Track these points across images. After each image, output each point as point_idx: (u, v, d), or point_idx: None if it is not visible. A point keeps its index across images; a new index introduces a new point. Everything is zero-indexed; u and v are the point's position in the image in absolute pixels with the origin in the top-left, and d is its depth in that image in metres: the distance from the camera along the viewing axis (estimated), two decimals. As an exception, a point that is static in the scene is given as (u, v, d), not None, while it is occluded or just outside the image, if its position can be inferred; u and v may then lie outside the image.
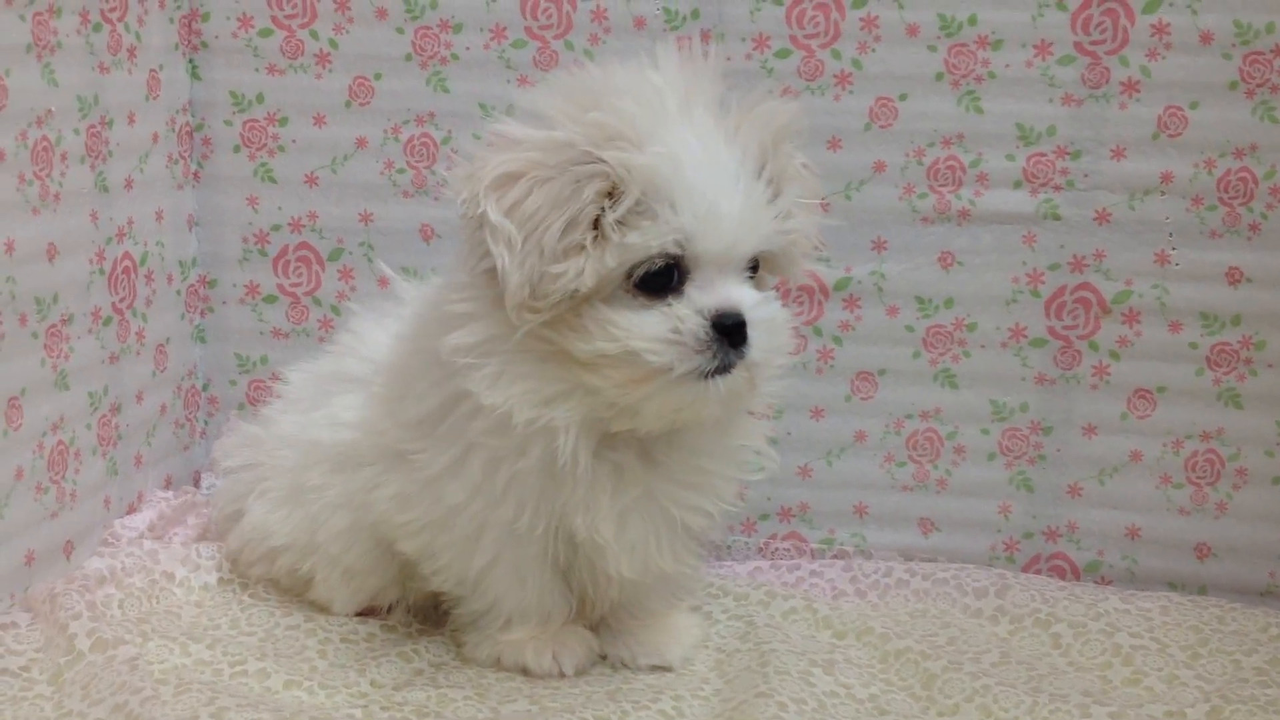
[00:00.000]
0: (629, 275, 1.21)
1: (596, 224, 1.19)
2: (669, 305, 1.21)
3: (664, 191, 1.18)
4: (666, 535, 1.34)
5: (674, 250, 1.20)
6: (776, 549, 1.73)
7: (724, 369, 1.22)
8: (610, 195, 1.18)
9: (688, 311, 1.21)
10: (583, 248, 1.18)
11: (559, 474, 1.28)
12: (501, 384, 1.24)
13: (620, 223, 1.18)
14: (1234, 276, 1.59)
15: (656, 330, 1.21)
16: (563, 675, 1.38)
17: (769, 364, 1.27)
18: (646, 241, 1.19)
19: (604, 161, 1.18)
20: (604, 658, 1.43)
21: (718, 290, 1.22)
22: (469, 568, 1.35)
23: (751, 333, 1.22)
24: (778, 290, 1.34)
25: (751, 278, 1.26)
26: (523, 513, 1.30)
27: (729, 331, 1.21)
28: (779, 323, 1.27)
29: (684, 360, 1.21)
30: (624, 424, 1.26)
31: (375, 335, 1.46)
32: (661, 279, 1.21)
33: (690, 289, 1.21)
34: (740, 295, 1.23)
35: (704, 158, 1.20)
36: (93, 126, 1.53)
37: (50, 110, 1.45)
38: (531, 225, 1.18)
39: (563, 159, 1.19)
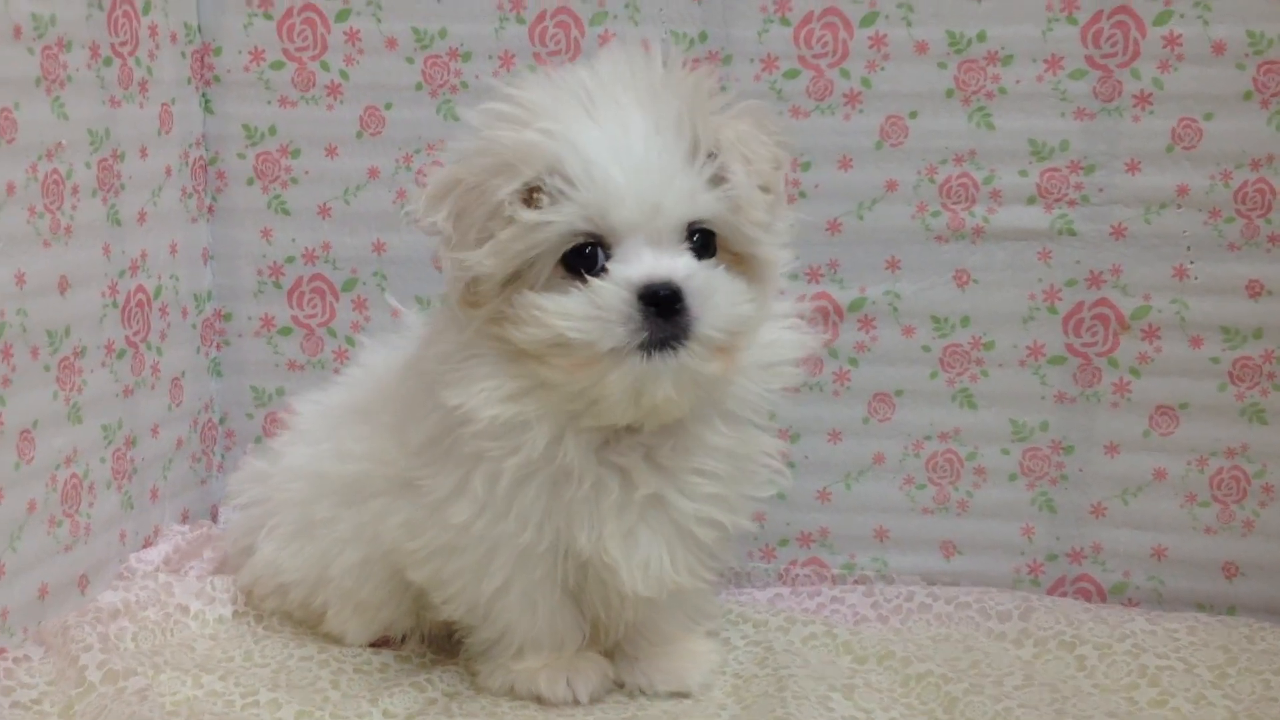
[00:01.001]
0: (560, 260, 1.21)
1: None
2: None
3: (563, 167, 1.19)
4: (680, 549, 1.32)
5: (585, 226, 1.20)
6: (797, 575, 1.71)
7: (662, 343, 1.20)
8: (527, 185, 1.20)
9: (606, 284, 1.19)
10: (493, 236, 1.20)
11: (561, 483, 1.27)
12: (464, 385, 1.25)
13: (527, 204, 1.20)
14: (1254, 289, 1.57)
15: (575, 307, 1.20)
16: (577, 703, 1.36)
17: (729, 339, 1.23)
18: (550, 219, 1.19)
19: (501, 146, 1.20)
20: (621, 686, 1.41)
21: (645, 261, 1.20)
22: (479, 594, 1.34)
23: (691, 302, 1.19)
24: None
25: (700, 253, 1.23)
26: (526, 527, 1.28)
27: (659, 302, 1.19)
28: (724, 291, 1.22)
29: (607, 335, 1.19)
30: (595, 418, 1.25)
31: (383, 367, 1.46)
32: (586, 259, 1.21)
33: (613, 264, 1.20)
34: (670, 265, 1.20)
35: (608, 130, 1.20)
36: (104, 160, 1.54)
37: (60, 143, 1.46)
38: (459, 223, 1.22)
39: (483, 159, 1.22)
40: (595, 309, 1.19)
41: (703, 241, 1.23)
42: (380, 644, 1.48)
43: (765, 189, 1.26)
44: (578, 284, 1.21)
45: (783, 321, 1.33)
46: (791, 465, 1.42)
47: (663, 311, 1.19)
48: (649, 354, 1.20)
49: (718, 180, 1.23)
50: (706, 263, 1.23)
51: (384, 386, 1.42)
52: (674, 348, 1.20)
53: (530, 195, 1.21)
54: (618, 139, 1.20)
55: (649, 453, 1.29)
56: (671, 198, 1.20)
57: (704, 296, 1.20)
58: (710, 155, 1.23)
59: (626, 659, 1.41)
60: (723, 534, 1.35)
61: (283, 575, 1.48)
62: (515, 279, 1.23)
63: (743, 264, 1.27)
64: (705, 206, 1.22)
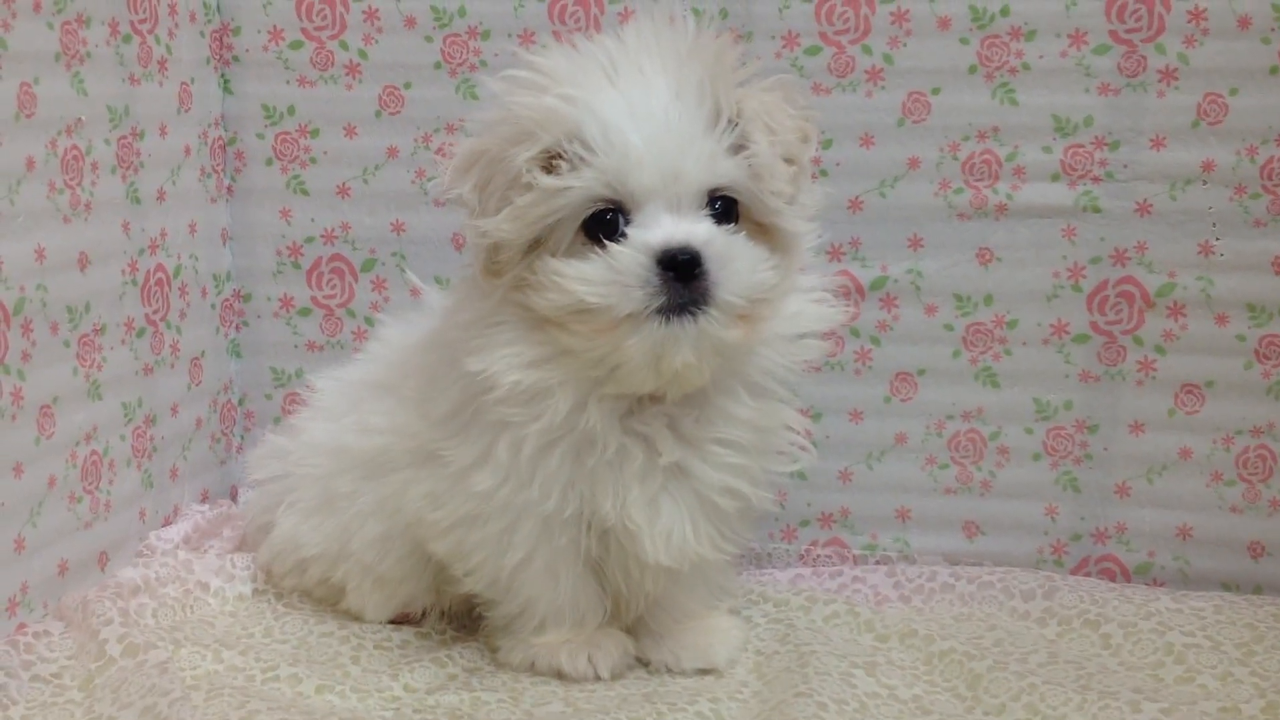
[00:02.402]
0: (581, 226, 1.22)
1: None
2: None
3: (582, 133, 1.19)
4: (701, 520, 1.32)
5: (604, 192, 1.20)
6: (818, 555, 1.70)
7: (681, 308, 1.19)
8: (547, 152, 1.21)
9: (624, 249, 1.19)
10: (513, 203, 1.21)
11: (584, 450, 1.26)
12: (486, 352, 1.25)
13: (547, 170, 1.20)
14: (1281, 266, 1.56)
15: (594, 272, 1.20)
16: (598, 678, 1.36)
17: (750, 305, 1.22)
18: (569, 184, 1.19)
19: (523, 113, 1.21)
20: (646, 664, 1.41)
21: (664, 226, 1.20)
22: (502, 566, 1.33)
23: (710, 267, 1.19)
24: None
25: (720, 220, 1.23)
26: (550, 495, 1.28)
27: (677, 266, 1.18)
28: (744, 257, 1.22)
29: (626, 298, 1.19)
30: (617, 385, 1.25)
31: (403, 342, 1.46)
32: (607, 224, 1.21)
33: (633, 229, 1.20)
34: (690, 230, 1.20)
35: (628, 96, 1.20)
36: (124, 137, 1.54)
37: (80, 119, 1.46)
38: (482, 192, 1.22)
39: (504, 127, 1.23)
40: (614, 273, 1.19)
41: (724, 209, 1.23)
42: (400, 620, 1.48)
43: (789, 160, 1.25)
44: (598, 250, 1.21)
45: (808, 295, 1.33)
46: (814, 444, 1.41)
47: (681, 276, 1.19)
48: (668, 319, 1.19)
49: (739, 148, 1.22)
50: (727, 229, 1.22)
51: (405, 361, 1.42)
52: (693, 313, 1.20)
53: (550, 162, 1.20)
54: (638, 104, 1.19)
55: (672, 422, 1.29)
56: (691, 163, 1.20)
57: (723, 262, 1.20)
58: (732, 123, 1.22)
59: (652, 636, 1.41)
60: (744, 505, 1.34)
61: (302, 550, 1.47)
62: (536, 246, 1.23)
63: (766, 234, 1.26)
64: (725, 173, 1.22)
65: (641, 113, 1.19)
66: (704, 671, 1.38)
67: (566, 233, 1.22)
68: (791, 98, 1.29)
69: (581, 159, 1.19)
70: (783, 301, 1.28)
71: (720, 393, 1.30)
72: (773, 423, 1.34)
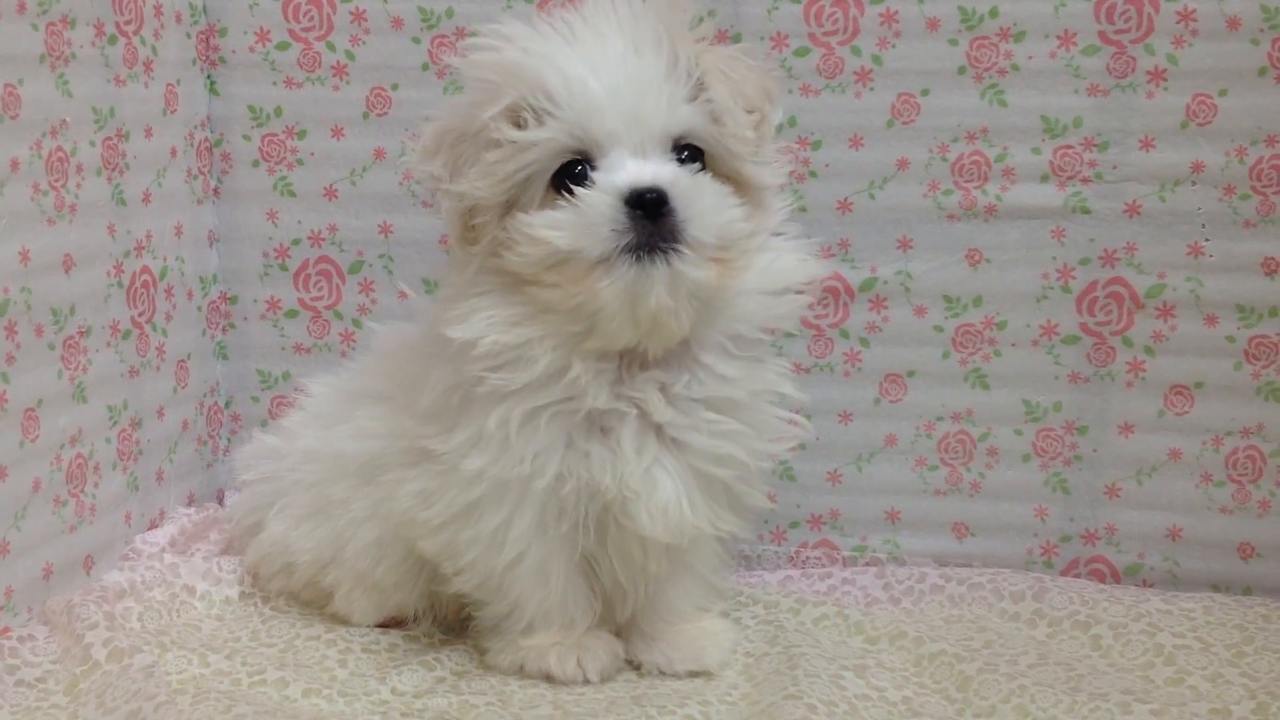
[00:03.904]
0: (550, 181, 1.24)
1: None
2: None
3: (544, 84, 1.22)
4: (699, 492, 1.32)
5: (570, 142, 1.23)
6: (807, 557, 1.70)
7: (652, 247, 1.21)
8: (512, 108, 1.24)
9: (592, 192, 1.22)
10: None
11: (576, 419, 1.27)
12: (467, 318, 1.27)
13: (516, 126, 1.23)
14: (1270, 267, 1.55)
15: (564, 218, 1.22)
16: (587, 681, 1.35)
17: (721, 246, 1.24)
18: (534, 137, 1.22)
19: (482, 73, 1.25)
20: (637, 666, 1.40)
21: (628, 170, 1.22)
22: (493, 565, 1.32)
23: (677, 205, 1.21)
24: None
25: (686, 164, 1.25)
26: (545, 469, 1.28)
27: (644, 205, 1.20)
28: (711, 193, 1.25)
29: (596, 241, 1.21)
30: (598, 339, 1.25)
31: (397, 351, 1.45)
32: (575, 176, 1.24)
33: (599, 174, 1.23)
34: (655, 170, 1.23)
35: (586, 49, 1.23)
36: (109, 139, 1.53)
37: (65, 121, 1.45)
38: (453, 161, 1.26)
39: (468, 94, 1.28)
40: (583, 217, 1.22)
41: (690, 156, 1.26)
42: (388, 624, 1.47)
43: (750, 110, 1.28)
44: (565, 199, 1.23)
45: (785, 249, 1.34)
46: (803, 446, 1.40)
47: (649, 214, 1.21)
48: (638, 259, 1.21)
49: (699, 96, 1.25)
50: (692, 168, 1.25)
51: (396, 367, 1.42)
52: (664, 251, 1.21)
53: (517, 118, 1.23)
54: (595, 56, 1.23)
55: (663, 387, 1.29)
56: (650, 107, 1.23)
57: (690, 199, 1.22)
58: (690, 75, 1.25)
59: (645, 639, 1.40)
60: (742, 472, 1.34)
61: (292, 554, 1.47)
62: (510, 207, 1.26)
63: (735, 184, 1.29)
64: (686, 118, 1.25)
65: (600, 63, 1.23)
66: (696, 674, 1.38)
67: (538, 189, 1.25)
68: (751, 56, 1.32)
69: (546, 112, 1.22)
70: (758, 255, 1.30)
71: (705, 350, 1.30)
72: (761, 385, 1.34)
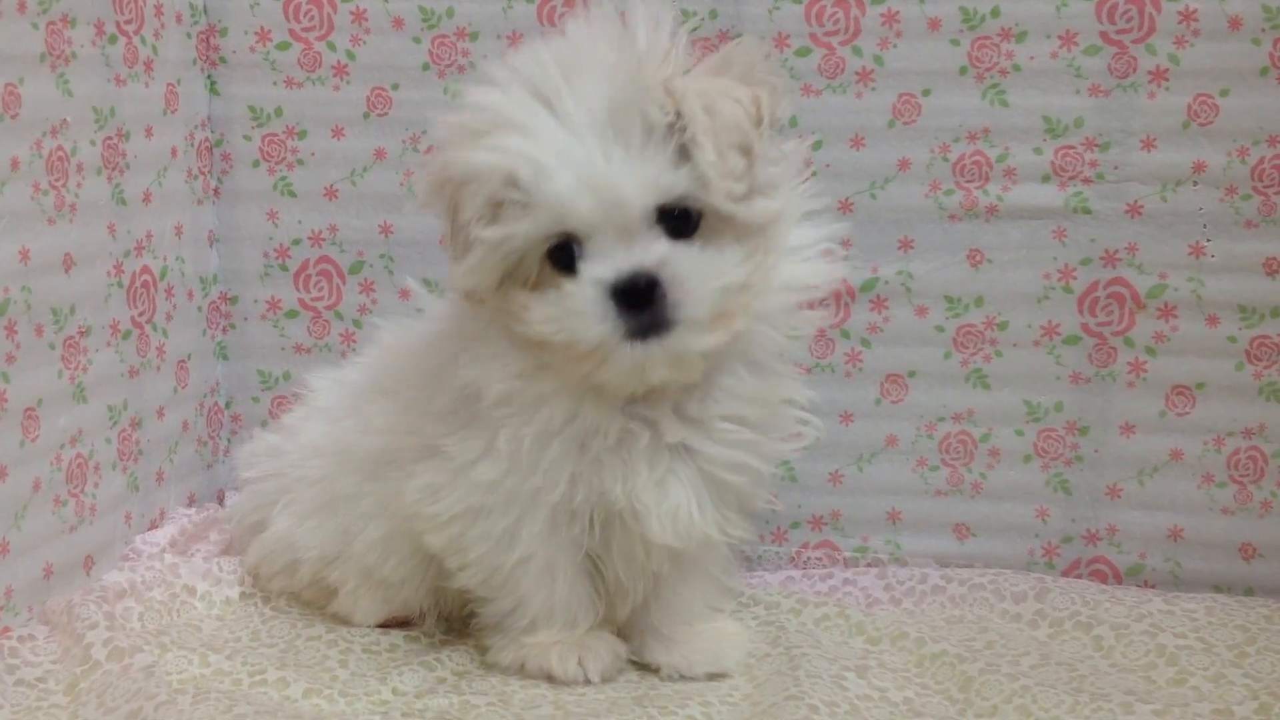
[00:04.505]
0: (546, 255, 1.21)
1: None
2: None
3: (517, 179, 1.17)
4: (708, 499, 1.31)
5: (550, 230, 1.19)
6: (809, 558, 1.70)
7: (645, 332, 1.18)
8: (489, 201, 1.20)
9: (577, 286, 1.19)
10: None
11: (587, 437, 1.26)
12: (477, 364, 1.26)
13: (494, 218, 1.19)
14: (1271, 267, 1.55)
15: (554, 311, 1.20)
16: (588, 681, 1.35)
17: (720, 313, 1.21)
18: (513, 231, 1.19)
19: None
20: (656, 670, 1.39)
21: (616, 256, 1.18)
22: (501, 562, 1.32)
23: (667, 289, 1.17)
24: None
25: (679, 229, 1.20)
26: (557, 482, 1.27)
27: (630, 297, 1.17)
28: (703, 271, 1.19)
29: (587, 333, 1.19)
30: (610, 394, 1.24)
31: (403, 345, 1.45)
32: (565, 255, 1.20)
33: (585, 261, 1.19)
34: (639, 258, 1.18)
35: (557, 134, 1.17)
36: (109, 139, 1.53)
37: (65, 120, 1.45)
38: (449, 233, 1.25)
39: (450, 171, 1.23)
40: (572, 311, 1.19)
41: (682, 217, 1.20)
42: (388, 625, 1.47)
43: (744, 150, 1.21)
44: (561, 277, 1.20)
45: (803, 253, 1.30)
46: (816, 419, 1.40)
47: (639, 304, 1.18)
48: (634, 344, 1.19)
49: (686, 152, 1.19)
50: (682, 244, 1.20)
51: (404, 363, 1.41)
52: (660, 334, 1.19)
53: (496, 209, 1.20)
54: (567, 142, 1.17)
55: (676, 406, 1.28)
56: (630, 190, 1.17)
57: (680, 281, 1.18)
58: (673, 135, 1.18)
59: (662, 641, 1.39)
60: (755, 479, 1.33)
61: (297, 552, 1.46)
62: (508, 279, 1.23)
63: (735, 226, 1.23)
64: (670, 186, 1.18)
65: (570, 149, 1.16)
66: (715, 676, 1.37)
67: (533, 265, 1.22)
68: (746, 69, 1.24)
69: (521, 204, 1.18)
70: (771, 277, 1.26)
71: (721, 373, 1.28)
72: (777, 396, 1.33)
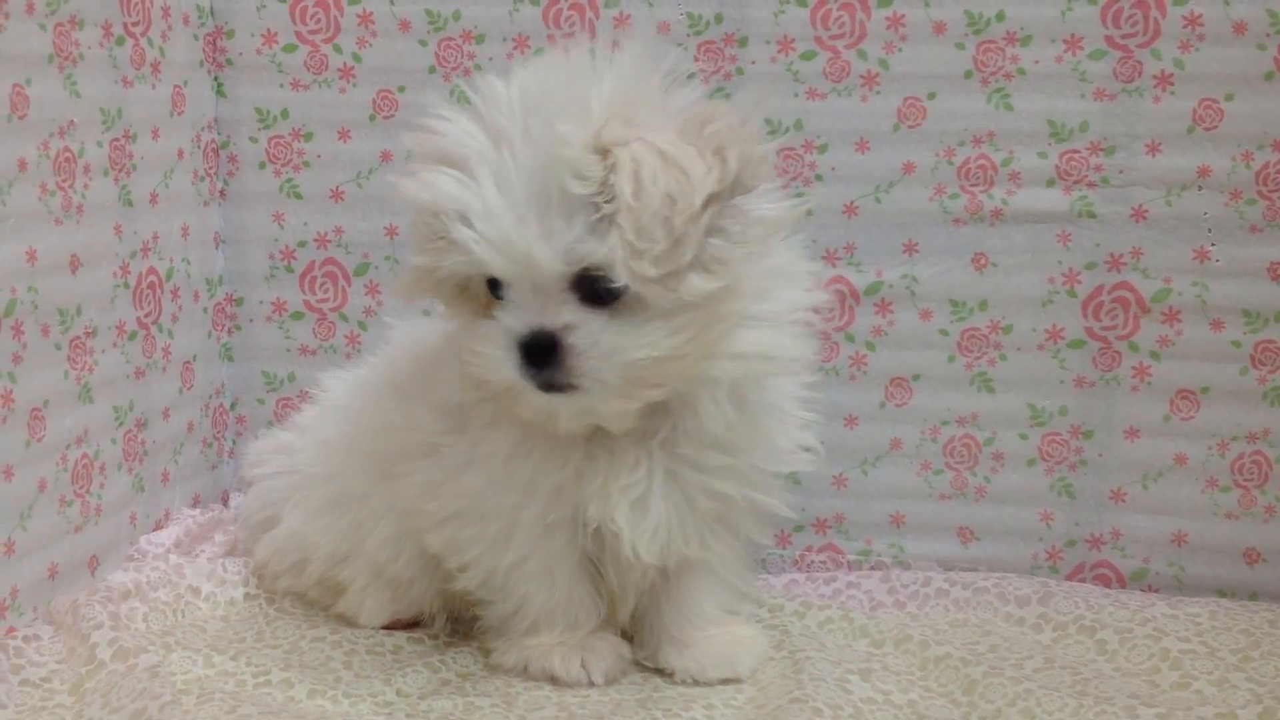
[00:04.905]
0: (487, 285, 1.22)
1: None
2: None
3: (443, 221, 1.18)
4: (690, 518, 1.31)
5: (473, 271, 1.20)
6: (812, 561, 1.70)
7: (549, 387, 1.19)
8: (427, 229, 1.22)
9: (491, 330, 1.21)
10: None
11: (565, 453, 1.27)
12: (454, 372, 1.29)
13: (424, 247, 1.21)
14: (1276, 272, 1.55)
15: (476, 342, 1.22)
16: (591, 684, 1.34)
17: (631, 381, 1.19)
18: (439, 264, 1.21)
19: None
20: (670, 674, 1.38)
21: (530, 308, 1.19)
22: (498, 564, 1.33)
23: (570, 352, 1.17)
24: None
25: (598, 295, 1.17)
26: (533, 498, 1.28)
27: (533, 353, 1.18)
28: (610, 342, 1.17)
29: (498, 373, 1.21)
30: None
31: (416, 344, 1.45)
32: (498, 290, 1.21)
33: (503, 307, 1.21)
34: (549, 317, 1.18)
35: (487, 187, 1.16)
36: (116, 140, 1.53)
37: (72, 121, 1.45)
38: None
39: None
40: (488, 350, 1.21)
41: (600, 284, 1.17)
42: (392, 626, 1.47)
43: (670, 230, 1.13)
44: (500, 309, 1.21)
45: (774, 321, 1.26)
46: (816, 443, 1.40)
47: (540, 363, 1.19)
48: (542, 392, 1.20)
49: (608, 226, 1.15)
50: (596, 311, 1.18)
51: (414, 361, 1.42)
52: (564, 392, 1.19)
53: (429, 237, 1.21)
54: (492, 196, 1.16)
55: (645, 431, 1.27)
56: (541, 256, 1.16)
57: (580, 351, 1.18)
58: (600, 204, 1.15)
59: (675, 645, 1.38)
60: (727, 506, 1.32)
61: (307, 549, 1.47)
62: (460, 296, 1.25)
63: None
64: (585, 257, 1.16)
65: (493, 204, 1.16)
66: (729, 681, 1.36)
67: (480, 288, 1.23)
68: (718, 132, 1.16)
69: (449, 240, 1.19)
70: (723, 343, 1.22)
71: (702, 401, 1.26)
72: (760, 424, 1.32)
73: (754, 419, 1.30)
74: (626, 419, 1.23)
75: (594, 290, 1.17)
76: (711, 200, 1.15)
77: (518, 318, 1.19)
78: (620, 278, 1.15)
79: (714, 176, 1.15)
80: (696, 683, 1.36)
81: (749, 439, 1.30)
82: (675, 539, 1.30)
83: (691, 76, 1.24)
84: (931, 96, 1.60)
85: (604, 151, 1.14)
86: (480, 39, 1.68)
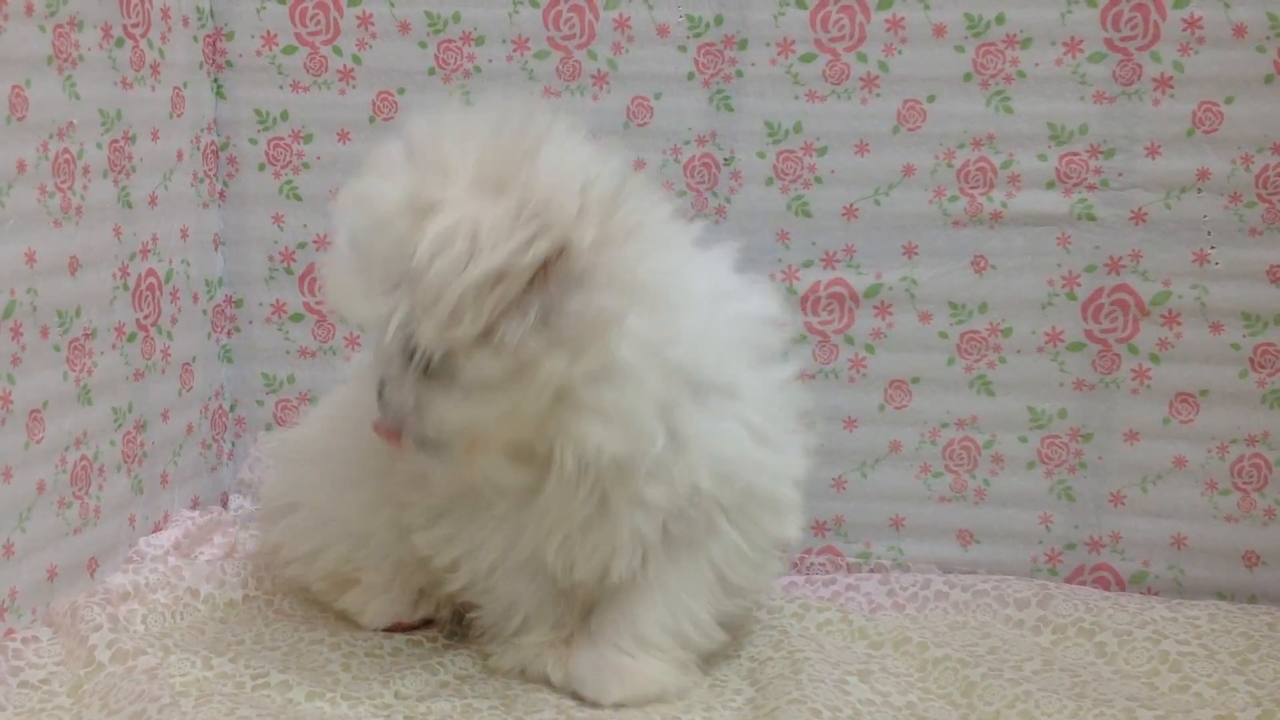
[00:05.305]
0: None
1: None
2: None
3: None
4: (628, 543, 1.27)
5: None
6: (812, 564, 1.70)
7: (389, 430, 1.21)
8: None
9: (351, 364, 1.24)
10: None
11: (488, 498, 1.28)
12: None
13: None
14: (1275, 274, 1.55)
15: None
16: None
17: (456, 438, 1.18)
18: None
19: None
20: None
21: (364, 355, 1.23)
22: (477, 566, 1.33)
23: (389, 403, 1.19)
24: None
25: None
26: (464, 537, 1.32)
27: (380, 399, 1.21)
28: (425, 404, 1.17)
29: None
30: None
31: None
32: None
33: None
34: (380, 369, 1.20)
35: (341, 243, 1.17)
36: (115, 141, 1.53)
37: (71, 123, 1.45)
38: None
39: None
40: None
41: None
42: (394, 629, 1.47)
43: (456, 308, 1.10)
44: None
45: (604, 414, 1.18)
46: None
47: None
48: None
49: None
50: (417, 372, 1.16)
51: None
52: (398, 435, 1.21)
53: None
54: (340, 248, 1.17)
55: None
56: (362, 309, 1.17)
57: (397, 403, 1.19)
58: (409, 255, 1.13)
59: (592, 644, 1.34)
60: (689, 528, 1.29)
61: (327, 533, 1.45)
62: None
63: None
64: (390, 315, 1.13)
65: (340, 254, 1.17)
66: (588, 703, 1.30)
67: None
68: (542, 199, 1.10)
69: None
70: (584, 398, 1.16)
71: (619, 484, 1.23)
72: (704, 447, 1.25)
73: (690, 444, 1.24)
74: (507, 473, 1.22)
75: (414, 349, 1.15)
76: (505, 277, 1.09)
77: (374, 367, 1.22)
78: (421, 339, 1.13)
79: (508, 251, 1.08)
80: (575, 694, 1.31)
81: (686, 463, 1.24)
82: (612, 562, 1.28)
83: (587, 137, 1.19)
84: (931, 99, 1.60)
85: (421, 212, 1.11)
86: (480, 41, 1.68)
